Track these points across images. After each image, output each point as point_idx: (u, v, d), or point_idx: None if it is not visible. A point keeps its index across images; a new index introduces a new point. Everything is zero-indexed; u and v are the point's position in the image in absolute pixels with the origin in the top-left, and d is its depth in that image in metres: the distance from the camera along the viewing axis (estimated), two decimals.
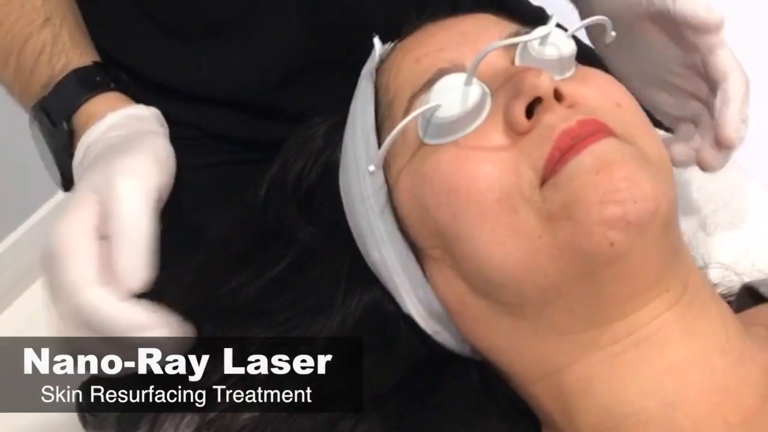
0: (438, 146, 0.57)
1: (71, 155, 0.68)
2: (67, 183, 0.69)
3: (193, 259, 0.70)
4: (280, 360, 0.62)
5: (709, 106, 0.71)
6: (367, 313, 0.63)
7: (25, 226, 1.83)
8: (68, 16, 0.74)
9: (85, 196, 0.59)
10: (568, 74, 0.60)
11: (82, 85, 0.68)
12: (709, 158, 0.70)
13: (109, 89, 0.67)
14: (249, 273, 0.66)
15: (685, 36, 0.69)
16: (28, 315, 1.78)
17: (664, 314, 0.55)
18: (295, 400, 0.61)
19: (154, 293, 0.63)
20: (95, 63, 0.69)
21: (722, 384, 0.54)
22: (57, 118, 0.68)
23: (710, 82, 0.70)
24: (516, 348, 0.58)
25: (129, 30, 0.85)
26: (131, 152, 0.61)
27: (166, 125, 0.71)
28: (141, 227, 0.57)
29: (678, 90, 0.73)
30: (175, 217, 0.82)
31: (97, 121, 0.66)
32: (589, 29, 0.75)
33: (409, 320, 0.62)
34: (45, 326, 0.59)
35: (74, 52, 0.71)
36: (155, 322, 0.57)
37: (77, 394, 1.48)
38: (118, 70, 0.73)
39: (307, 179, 0.68)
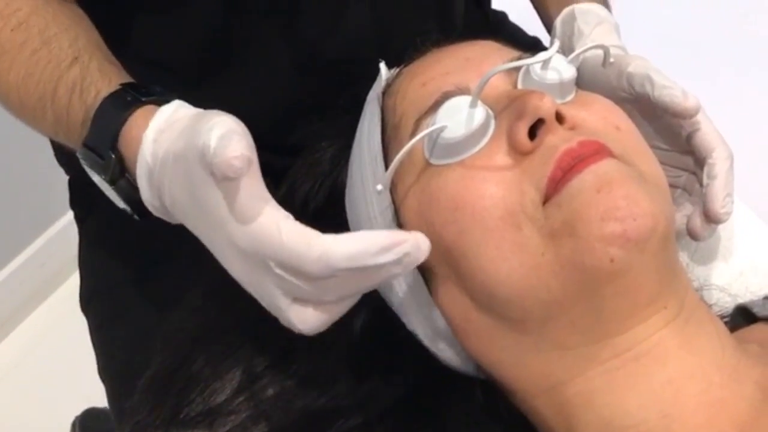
0: (444, 166, 0.59)
1: (130, 182, 0.64)
2: (138, 210, 0.65)
3: (200, 281, 0.71)
4: (287, 378, 0.64)
5: (698, 176, 0.74)
6: (372, 330, 0.64)
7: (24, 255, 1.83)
8: (97, 52, 0.71)
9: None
10: (569, 98, 0.62)
11: (116, 110, 0.65)
12: (697, 228, 0.72)
13: (141, 104, 0.64)
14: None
15: (667, 118, 0.72)
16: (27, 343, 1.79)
17: (662, 330, 0.57)
18: (302, 417, 0.62)
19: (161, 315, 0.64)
20: (123, 85, 0.67)
21: (718, 397, 0.56)
22: (103, 151, 0.65)
23: (695, 157, 0.73)
24: (519, 363, 0.59)
25: (131, 71, 0.86)
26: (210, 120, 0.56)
27: None
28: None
29: (664, 164, 0.76)
30: (176, 245, 0.84)
31: (144, 133, 0.62)
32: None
33: (413, 338, 0.63)
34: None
35: (103, 81, 0.68)
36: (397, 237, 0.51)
37: (73, 425, 1.47)
38: (147, 84, 0.69)
39: (314, 201, 0.69)
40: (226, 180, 0.50)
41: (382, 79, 0.68)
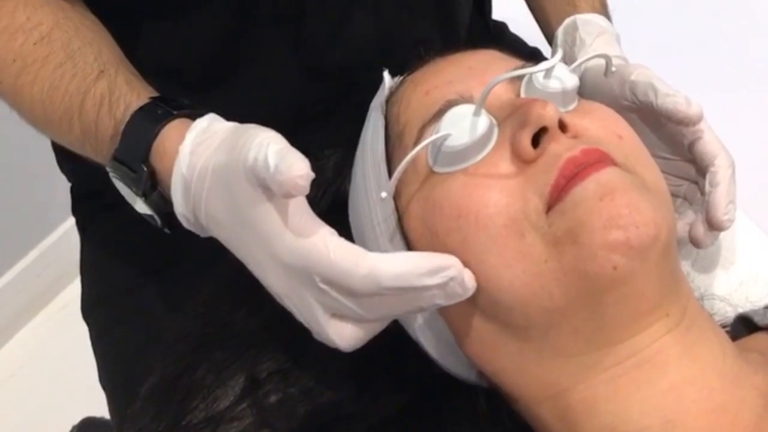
0: (448, 174, 0.59)
1: (162, 195, 0.65)
2: (169, 222, 0.66)
3: (202, 290, 0.71)
4: (290, 385, 0.64)
5: (699, 185, 0.74)
6: (375, 338, 0.64)
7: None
8: (121, 66, 0.72)
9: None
10: (572, 107, 0.63)
11: (147, 123, 0.65)
12: (699, 235, 0.72)
13: (173, 117, 0.65)
14: (259, 301, 0.67)
15: (670, 127, 0.72)
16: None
17: (664, 337, 0.57)
18: (305, 424, 0.62)
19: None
20: (152, 99, 0.67)
21: (720, 404, 0.56)
22: (134, 164, 0.65)
23: (697, 165, 0.73)
24: (522, 370, 0.59)
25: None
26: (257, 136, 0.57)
27: None
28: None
29: (666, 173, 0.76)
30: (178, 253, 0.84)
31: (179, 145, 0.62)
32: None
33: (416, 346, 0.63)
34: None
35: (131, 95, 0.68)
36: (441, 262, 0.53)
37: None
38: (175, 97, 0.69)
39: (317, 208, 0.69)
40: (286, 197, 0.52)
41: (385, 88, 0.68)
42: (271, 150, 0.52)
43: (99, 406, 0.93)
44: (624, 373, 0.57)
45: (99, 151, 0.69)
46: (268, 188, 0.53)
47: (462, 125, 0.59)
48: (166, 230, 0.67)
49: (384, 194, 0.60)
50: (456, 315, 0.60)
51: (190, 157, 0.60)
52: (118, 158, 0.66)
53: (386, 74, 0.69)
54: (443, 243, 0.58)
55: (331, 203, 0.69)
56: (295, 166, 0.51)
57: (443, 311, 0.61)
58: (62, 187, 1.02)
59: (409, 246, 0.61)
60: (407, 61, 0.70)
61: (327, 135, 0.73)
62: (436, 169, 0.60)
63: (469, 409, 0.63)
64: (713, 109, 0.79)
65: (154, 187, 0.65)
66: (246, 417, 0.63)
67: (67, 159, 0.96)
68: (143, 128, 0.65)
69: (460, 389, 0.64)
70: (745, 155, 0.78)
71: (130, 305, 0.90)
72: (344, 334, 0.56)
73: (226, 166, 0.56)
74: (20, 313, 1.82)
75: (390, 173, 0.62)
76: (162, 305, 0.87)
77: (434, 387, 0.64)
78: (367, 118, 0.68)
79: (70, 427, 1.51)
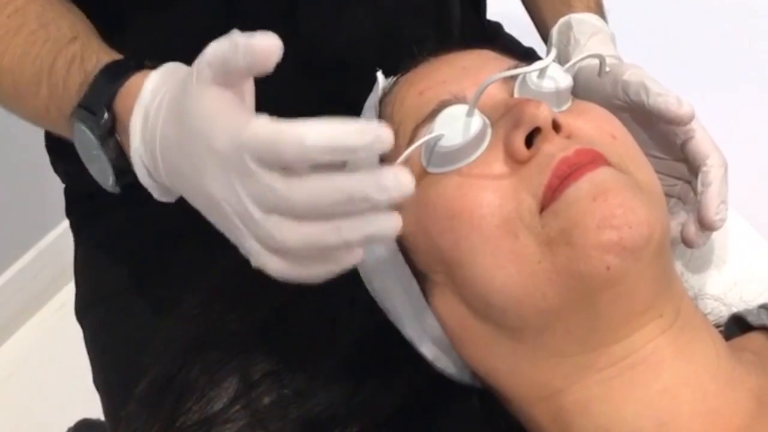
0: (441, 175, 0.59)
1: (119, 143, 0.65)
2: (121, 173, 0.65)
3: (195, 291, 0.71)
4: (283, 386, 0.63)
5: (692, 185, 0.74)
6: (369, 340, 0.64)
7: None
8: (95, 36, 0.72)
9: None
10: (565, 107, 0.63)
11: (116, 73, 0.65)
12: (691, 235, 0.72)
13: (145, 68, 0.64)
14: (253, 303, 0.67)
15: (662, 126, 0.72)
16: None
17: (657, 338, 0.57)
18: (301, 424, 0.62)
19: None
20: (125, 57, 0.68)
21: (713, 405, 0.56)
22: (97, 108, 0.64)
23: (690, 165, 0.73)
24: (516, 371, 0.59)
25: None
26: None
27: None
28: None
29: (660, 173, 0.76)
30: (172, 254, 0.84)
31: (144, 84, 0.62)
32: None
33: (410, 347, 0.63)
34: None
35: (104, 54, 0.68)
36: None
37: None
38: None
39: None
40: (253, 70, 0.51)
41: (379, 88, 0.68)
42: (234, 34, 0.51)
43: (96, 407, 0.93)
44: (618, 374, 0.57)
45: (62, 109, 0.69)
46: (224, 74, 0.52)
47: (455, 126, 0.58)
48: (117, 189, 0.67)
49: None
50: (449, 315, 0.60)
51: (151, 94, 0.59)
52: (82, 104, 0.66)
53: (380, 74, 0.69)
54: (436, 244, 0.58)
55: None
56: (259, 36, 0.50)
57: (436, 311, 0.61)
58: (58, 187, 1.02)
59: (403, 247, 0.61)
60: (403, 57, 0.70)
61: None
62: (430, 169, 0.60)
63: (462, 409, 0.63)
64: (707, 109, 0.79)
65: (112, 132, 0.64)
66: (240, 419, 0.62)
67: (61, 160, 0.96)
68: (111, 76, 0.65)
69: (454, 390, 0.64)
70: (739, 155, 0.78)
71: (124, 307, 0.90)
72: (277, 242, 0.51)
73: (179, 85, 0.55)
74: (17, 314, 1.82)
75: None
76: (155, 307, 0.87)
77: (428, 388, 0.63)
78: (361, 118, 0.68)
79: (65, 429, 1.51)
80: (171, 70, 0.62)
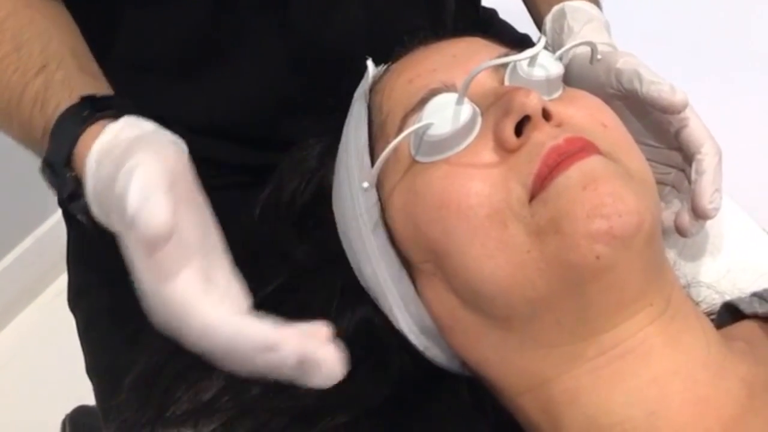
0: (430, 164, 0.58)
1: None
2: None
3: None
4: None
5: (686, 173, 0.74)
6: (359, 329, 0.64)
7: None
8: (67, 58, 0.69)
9: None
10: (556, 95, 0.62)
11: (71, 125, 0.63)
12: (685, 224, 0.72)
13: (94, 120, 0.63)
14: None
15: (656, 115, 0.72)
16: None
17: (647, 327, 0.57)
18: (290, 414, 0.62)
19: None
20: (82, 98, 0.65)
21: (704, 395, 0.56)
22: (59, 168, 0.64)
23: (684, 153, 0.73)
24: (505, 360, 0.59)
25: (122, 65, 0.86)
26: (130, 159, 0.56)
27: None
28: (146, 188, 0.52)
29: (653, 161, 0.76)
30: None
31: (88, 157, 0.62)
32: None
33: (400, 336, 0.63)
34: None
35: (64, 92, 0.66)
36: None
37: (64, 423, 1.47)
38: (110, 96, 0.68)
39: (301, 198, 0.69)
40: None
41: (369, 77, 0.68)
42: (134, 186, 0.51)
43: (93, 395, 0.93)
44: (607, 364, 0.56)
45: (35, 150, 0.68)
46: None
47: (444, 114, 0.58)
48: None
49: (365, 184, 0.60)
50: (438, 305, 0.60)
51: (96, 170, 0.59)
52: (45, 159, 0.65)
53: (370, 63, 0.68)
54: (425, 234, 0.58)
55: (315, 193, 0.69)
56: (155, 218, 0.49)
57: (426, 301, 0.61)
58: None
59: (392, 236, 0.61)
60: (395, 48, 0.70)
61: (312, 124, 0.72)
62: (419, 158, 0.59)
63: (452, 398, 0.63)
64: (701, 97, 0.79)
65: (78, 192, 0.63)
66: (229, 408, 0.62)
67: None
68: (67, 131, 0.64)
69: (444, 379, 0.64)
70: (733, 143, 0.77)
71: (115, 296, 0.89)
72: None
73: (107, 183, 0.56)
74: (14, 301, 1.82)
75: (373, 163, 0.62)
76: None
77: (418, 377, 0.63)
78: (351, 107, 0.68)
79: (62, 416, 1.51)
80: (113, 139, 0.61)
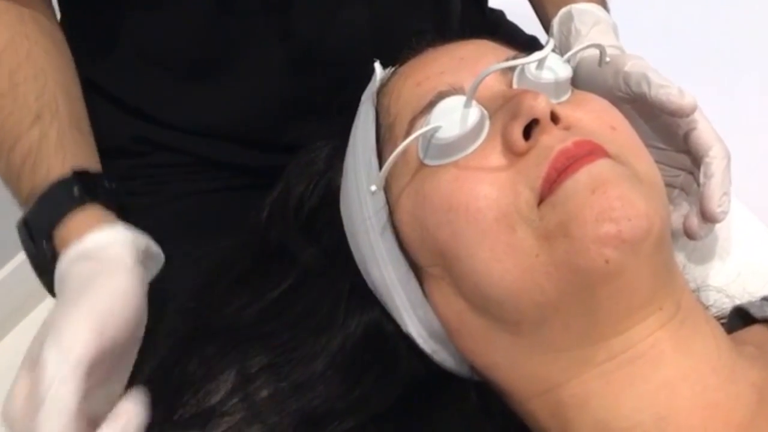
0: (438, 167, 0.58)
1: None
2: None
3: (191, 284, 0.71)
4: (281, 380, 0.63)
5: (695, 176, 0.73)
6: (367, 333, 0.64)
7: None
8: (61, 110, 0.72)
9: (20, 371, 0.63)
10: (564, 98, 0.62)
11: (59, 201, 0.67)
12: (693, 227, 0.72)
13: (84, 203, 0.66)
14: (250, 295, 0.67)
15: (664, 118, 0.72)
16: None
17: (657, 332, 0.56)
18: (296, 419, 0.61)
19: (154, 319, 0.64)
20: (75, 173, 0.68)
21: (714, 400, 0.55)
22: (37, 236, 0.67)
23: (692, 155, 0.73)
24: (513, 365, 0.59)
25: (126, 67, 0.86)
26: (73, 312, 0.60)
27: (139, 248, 0.67)
28: (60, 399, 0.56)
29: (662, 164, 0.76)
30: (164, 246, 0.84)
31: (65, 249, 0.65)
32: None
33: (408, 340, 0.63)
34: None
35: (57, 157, 0.69)
36: None
37: None
38: (100, 177, 0.71)
39: (309, 201, 0.69)
40: None
41: (376, 79, 0.68)
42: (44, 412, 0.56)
43: None
44: (617, 369, 0.56)
45: (17, 198, 0.71)
46: None
47: (452, 117, 0.58)
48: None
49: (373, 188, 0.60)
50: (447, 308, 0.60)
51: (68, 270, 0.63)
52: (25, 221, 0.68)
53: (378, 65, 0.68)
54: (433, 237, 0.57)
55: (323, 196, 0.69)
56: None
57: (434, 305, 0.60)
58: None
59: (400, 240, 0.61)
60: (400, 51, 0.70)
61: (319, 127, 0.72)
62: (427, 161, 0.59)
63: (461, 403, 0.63)
64: (710, 100, 0.78)
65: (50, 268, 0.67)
66: (237, 411, 0.62)
67: None
68: (54, 204, 0.67)
69: (452, 383, 0.63)
70: (742, 146, 0.77)
71: None
72: None
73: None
74: (19, 307, 1.81)
75: (381, 166, 0.62)
76: (150, 299, 0.87)
77: (426, 381, 0.63)
78: (359, 109, 0.68)
79: None
80: (88, 252, 0.64)
